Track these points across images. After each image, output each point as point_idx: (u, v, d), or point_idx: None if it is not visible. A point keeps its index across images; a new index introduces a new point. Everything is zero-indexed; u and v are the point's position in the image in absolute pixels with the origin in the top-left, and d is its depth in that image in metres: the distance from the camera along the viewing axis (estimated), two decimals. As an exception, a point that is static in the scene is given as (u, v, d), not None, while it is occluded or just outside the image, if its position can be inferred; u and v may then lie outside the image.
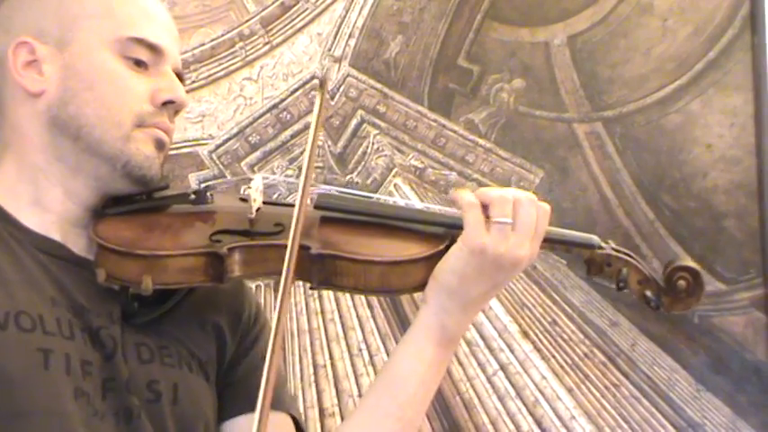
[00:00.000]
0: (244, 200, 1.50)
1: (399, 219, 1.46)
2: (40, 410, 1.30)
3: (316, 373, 2.36)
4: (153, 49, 1.46)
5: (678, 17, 2.41)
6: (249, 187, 1.45)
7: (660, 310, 1.46)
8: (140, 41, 1.45)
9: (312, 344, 2.37)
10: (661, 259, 2.33)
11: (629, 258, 1.45)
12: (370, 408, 1.47)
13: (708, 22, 2.40)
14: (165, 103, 1.46)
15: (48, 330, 1.34)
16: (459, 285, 1.40)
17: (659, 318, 2.32)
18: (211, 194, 1.49)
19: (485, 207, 1.40)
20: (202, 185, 1.59)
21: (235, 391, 1.49)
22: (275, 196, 2.21)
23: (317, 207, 1.47)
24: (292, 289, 2.36)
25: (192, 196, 1.48)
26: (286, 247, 1.34)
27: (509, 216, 1.39)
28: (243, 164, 2.42)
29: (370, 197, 1.53)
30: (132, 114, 1.43)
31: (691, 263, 1.46)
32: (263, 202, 1.47)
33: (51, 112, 1.43)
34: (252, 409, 1.46)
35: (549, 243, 1.46)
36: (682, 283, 1.44)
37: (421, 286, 1.43)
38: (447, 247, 1.43)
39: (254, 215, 1.44)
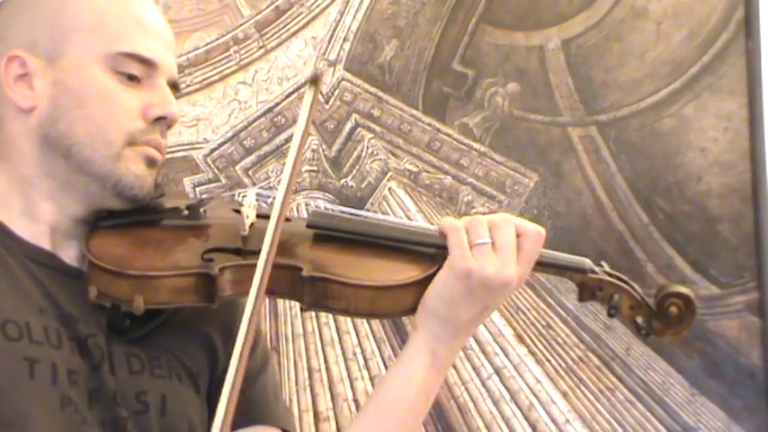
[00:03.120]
0: (239, 210, 1.48)
1: (392, 239, 1.45)
2: (23, 420, 1.30)
3: (310, 377, 2.36)
4: (146, 62, 1.43)
5: (672, 21, 2.41)
6: (242, 204, 1.43)
7: (651, 337, 1.45)
8: (132, 56, 1.43)
9: (307, 348, 2.37)
10: (655, 263, 2.34)
11: (620, 283, 1.44)
12: (359, 429, 1.47)
13: (702, 26, 2.41)
14: (158, 119, 1.44)
15: (34, 339, 1.33)
16: (448, 311, 1.39)
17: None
18: (204, 211, 1.47)
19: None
20: (200, 194, 1.56)
21: None
22: (270, 200, 2.20)
23: (309, 226, 1.45)
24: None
25: (185, 212, 1.47)
26: (281, 267, 1.34)
27: (486, 236, 1.38)
28: (237, 168, 2.42)
29: (361, 215, 1.51)
30: (123, 132, 1.41)
31: (683, 289, 1.45)
32: (257, 216, 1.45)
33: (42, 129, 1.42)
34: (247, 423, 1.47)
35: (541, 266, 1.44)
36: (673, 309, 1.43)
37: (412, 310, 1.42)
38: (439, 269, 1.41)
39: (246, 232, 1.42)
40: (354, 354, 2.37)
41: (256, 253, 1.38)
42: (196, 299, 1.38)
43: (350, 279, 1.38)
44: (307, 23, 2.45)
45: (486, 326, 2.35)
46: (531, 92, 2.43)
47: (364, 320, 2.33)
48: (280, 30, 2.45)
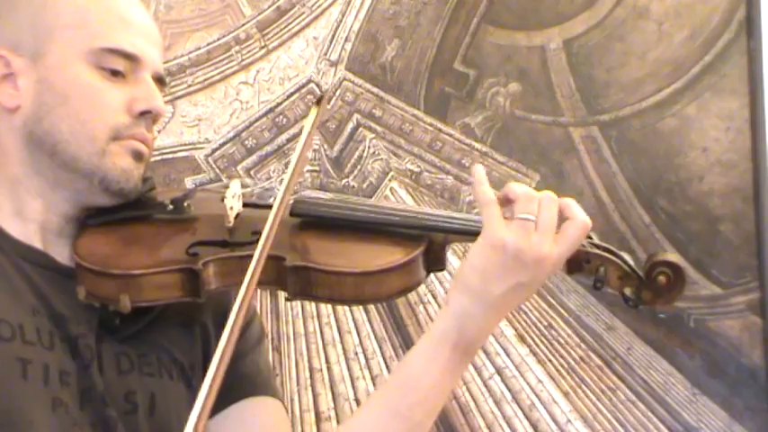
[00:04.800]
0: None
1: (376, 223, 1.44)
2: (16, 421, 1.29)
3: (312, 377, 2.36)
4: (129, 57, 1.43)
5: (674, 21, 2.41)
6: (225, 196, 1.42)
7: (639, 309, 1.43)
8: (115, 51, 1.42)
9: (308, 348, 2.37)
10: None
11: (608, 255, 1.41)
12: (377, 405, 1.44)
13: (704, 26, 2.40)
14: (143, 113, 1.44)
15: (27, 340, 1.33)
16: (480, 284, 1.36)
17: (655, 322, 2.32)
18: (188, 204, 1.47)
19: (508, 202, 1.38)
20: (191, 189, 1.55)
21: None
22: (271, 200, 2.21)
23: (292, 214, 1.45)
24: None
25: (170, 206, 1.46)
26: (265, 257, 1.33)
27: (533, 214, 1.35)
28: (239, 168, 2.42)
29: (346, 200, 1.50)
30: (107, 128, 1.41)
31: (672, 257, 1.41)
32: (244, 204, 1.45)
33: (27, 127, 1.42)
34: (237, 398, 1.46)
35: None
36: (662, 278, 1.40)
37: (398, 293, 1.41)
38: (424, 251, 1.40)
39: (231, 224, 1.42)
40: (356, 353, 2.37)
41: (242, 244, 1.39)
42: (182, 294, 1.38)
43: (332, 267, 1.37)
44: (308, 23, 2.45)
45: (487, 326, 2.35)
46: (533, 92, 2.43)
47: (360, 308, 2.33)
48: (281, 30, 2.46)
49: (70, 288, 1.38)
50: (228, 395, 1.46)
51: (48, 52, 1.42)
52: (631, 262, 1.42)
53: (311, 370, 2.36)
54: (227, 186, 1.45)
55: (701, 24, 2.40)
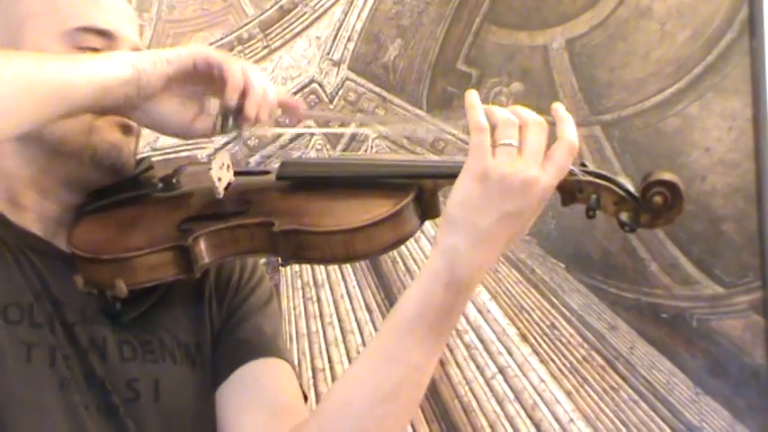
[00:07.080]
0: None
1: (362, 177, 1.41)
2: (19, 403, 1.31)
3: (314, 377, 2.36)
4: (103, 34, 1.43)
5: (677, 21, 2.41)
6: (211, 168, 1.39)
7: (636, 232, 1.38)
8: (89, 29, 1.42)
9: (311, 347, 2.37)
10: (659, 262, 2.34)
11: (600, 181, 1.36)
12: (372, 352, 1.39)
13: (706, 25, 2.40)
14: None
15: (36, 322, 1.35)
16: (464, 216, 1.29)
17: (658, 321, 2.32)
18: (177, 180, 1.46)
19: (492, 129, 1.30)
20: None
21: (222, 352, 1.47)
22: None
23: (279, 177, 1.43)
24: (291, 292, 2.36)
25: (160, 184, 1.46)
26: (254, 225, 1.34)
27: (514, 138, 1.29)
28: (242, 167, 2.43)
29: (336, 157, 1.48)
30: None
31: (666, 175, 1.36)
32: (236, 173, 1.43)
33: None
34: (240, 363, 1.45)
35: None
36: (658, 199, 1.35)
37: (391, 246, 1.37)
38: (414, 200, 1.37)
39: (221, 195, 1.39)
40: (358, 353, 2.37)
41: (233, 214, 1.37)
42: (176, 272, 1.36)
43: (319, 227, 1.34)
44: (311, 23, 2.46)
45: (490, 325, 2.36)
46: (536, 91, 2.43)
47: (363, 308, 2.33)
48: (284, 30, 2.46)
49: (68, 274, 1.39)
50: (231, 361, 1.46)
51: (23, 42, 1.43)
52: (628, 186, 1.37)
53: (314, 370, 2.36)
54: (213, 158, 1.43)
55: (703, 24, 2.40)
